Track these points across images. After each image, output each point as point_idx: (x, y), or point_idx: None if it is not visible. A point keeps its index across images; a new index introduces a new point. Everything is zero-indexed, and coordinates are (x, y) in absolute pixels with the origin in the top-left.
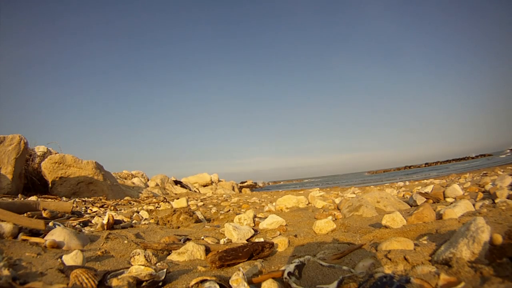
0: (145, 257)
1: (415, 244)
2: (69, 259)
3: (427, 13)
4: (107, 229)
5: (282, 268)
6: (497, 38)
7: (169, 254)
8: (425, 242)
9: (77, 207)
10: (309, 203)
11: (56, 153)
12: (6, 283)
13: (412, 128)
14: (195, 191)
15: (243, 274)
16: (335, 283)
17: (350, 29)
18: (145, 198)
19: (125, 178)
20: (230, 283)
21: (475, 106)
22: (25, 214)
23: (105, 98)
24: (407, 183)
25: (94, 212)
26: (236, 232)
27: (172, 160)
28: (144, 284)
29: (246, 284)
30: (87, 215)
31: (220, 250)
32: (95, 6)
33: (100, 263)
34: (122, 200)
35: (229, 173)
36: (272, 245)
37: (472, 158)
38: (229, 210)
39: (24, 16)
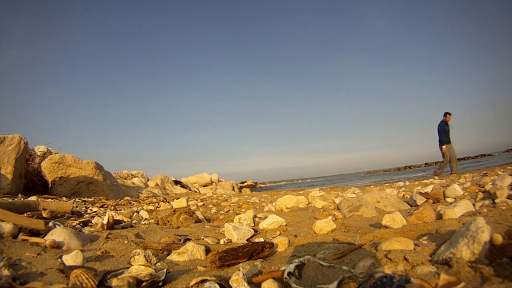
0: (145, 257)
1: (415, 244)
2: (69, 259)
3: (427, 13)
4: (107, 229)
5: (282, 268)
6: (497, 38)
7: (169, 254)
8: (425, 242)
9: (77, 207)
10: (309, 203)
11: (56, 153)
12: (6, 283)
13: (412, 128)
14: (195, 191)
15: (243, 274)
16: (335, 283)
17: (350, 29)
18: (145, 198)
19: (125, 178)
20: (230, 283)
21: (475, 106)
22: (25, 214)
23: (105, 98)
24: (407, 183)
25: (94, 212)
26: (236, 232)
27: (172, 160)
28: (144, 284)
29: (246, 284)
30: (87, 215)
31: (220, 250)
32: (95, 6)
33: (100, 263)
34: (122, 200)
35: (229, 173)
36: (272, 245)
37: (472, 158)
38: (229, 210)
39: (24, 16)
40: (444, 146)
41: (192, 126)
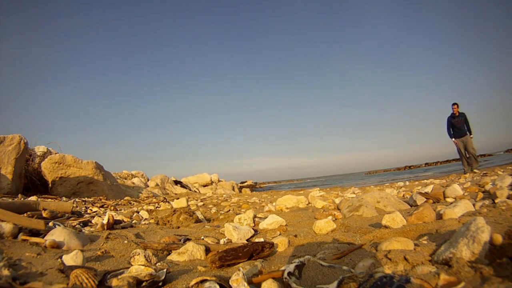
0: (145, 257)
1: (415, 244)
2: (69, 259)
3: (427, 13)
4: (107, 229)
5: (282, 268)
6: (497, 38)
7: (169, 254)
8: (425, 242)
9: (77, 207)
10: (309, 203)
11: (56, 153)
12: (6, 283)
13: (412, 128)
14: (195, 191)
15: (243, 274)
16: (335, 283)
17: (350, 29)
18: (145, 198)
19: (125, 178)
20: (230, 283)
21: (475, 106)
22: (25, 214)
23: (105, 98)
24: (407, 183)
25: (94, 212)
26: (236, 232)
27: (172, 160)
28: (144, 284)
29: (246, 284)
30: (87, 215)
31: (220, 250)
32: (95, 6)
33: (100, 263)
34: (122, 200)
35: (229, 173)
36: (272, 245)
37: None
38: (229, 210)
39: (24, 16)
40: (453, 140)
41: (192, 126)
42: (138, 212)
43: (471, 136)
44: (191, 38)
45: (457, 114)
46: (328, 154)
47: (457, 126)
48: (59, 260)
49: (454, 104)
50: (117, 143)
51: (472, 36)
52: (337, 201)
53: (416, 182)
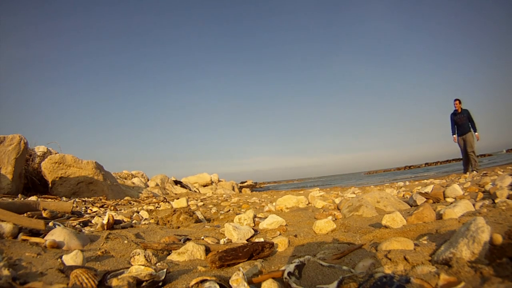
0: (145, 257)
1: (415, 244)
2: (69, 259)
3: (427, 13)
4: (107, 229)
5: (282, 268)
6: (497, 38)
7: (169, 254)
8: (425, 242)
9: (77, 207)
10: (309, 203)
11: (56, 153)
12: (6, 283)
13: (412, 128)
14: (195, 191)
15: (243, 274)
16: (335, 283)
17: (350, 29)
18: (145, 198)
19: (125, 178)
20: (230, 283)
21: (475, 106)
22: (25, 214)
23: (105, 98)
24: (407, 183)
25: (94, 212)
26: (236, 232)
27: (172, 160)
28: (144, 284)
29: (246, 284)
30: (87, 215)
31: (220, 250)
32: (95, 6)
33: (100, 263)
34: (122, 200)
35: (229, 173)
36: (272, 245)
37: None
38: (229, 210)
39: (24, 16)
40: (454, 136)
41: (192, 126)
42: (138, 212)
43: (477, 133)
44: (191, 38)
45: (459, 110)
46: (328, 154)
47: (459, 123)
48: (59, 260)
49: (455, 100)
50: (117, 143)
51: (472, 36)
52: (337, 201)
53: (416, 182)
